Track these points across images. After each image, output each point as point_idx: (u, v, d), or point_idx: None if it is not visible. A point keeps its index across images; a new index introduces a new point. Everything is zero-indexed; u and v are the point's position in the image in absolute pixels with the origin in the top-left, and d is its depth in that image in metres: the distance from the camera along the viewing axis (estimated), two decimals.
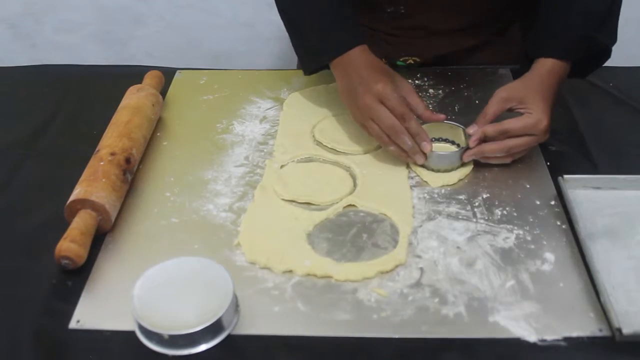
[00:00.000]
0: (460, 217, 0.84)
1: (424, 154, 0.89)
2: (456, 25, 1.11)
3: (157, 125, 1.02)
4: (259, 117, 1.04)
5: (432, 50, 1.14)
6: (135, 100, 0.98)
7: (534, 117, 0.86)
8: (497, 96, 0.90)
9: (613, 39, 0.96)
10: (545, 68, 0.91)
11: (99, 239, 0.81)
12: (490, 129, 0.87)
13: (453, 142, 0.95)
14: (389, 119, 0.87)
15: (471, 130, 0.89)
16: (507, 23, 1.15)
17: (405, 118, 0.87)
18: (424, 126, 0.90)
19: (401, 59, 1.15)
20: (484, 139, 0.88)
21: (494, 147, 0.88)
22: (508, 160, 0.90)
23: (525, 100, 0.88)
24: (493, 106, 0.89)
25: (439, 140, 0.95)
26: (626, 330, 0.67)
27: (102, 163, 0.85)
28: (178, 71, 1.17)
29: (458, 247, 0.79)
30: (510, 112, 0.89)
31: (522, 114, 0.87)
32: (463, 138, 0.92)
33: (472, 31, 1.12)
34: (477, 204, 0.85)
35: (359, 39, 0.94)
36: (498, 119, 0.89)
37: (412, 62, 1.15)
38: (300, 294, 0.74)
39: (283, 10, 1.01)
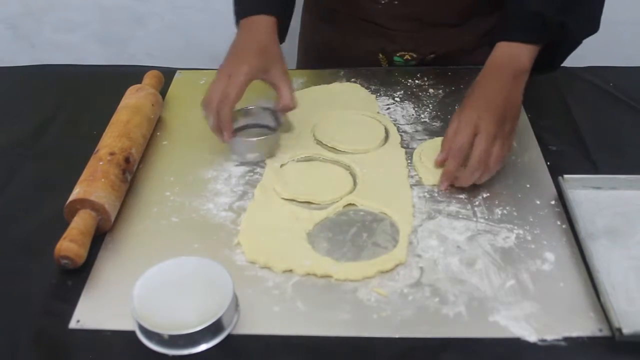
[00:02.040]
0: (460, 216, 0.84)
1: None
2: (450, 17, 1.11)
3: (157, 125, 1.02)
4: None
5: (428, 46, 1.14)
6: (134, 100, 0.98)
7: (485, 138, 0.82)
8: (451, 129, 0.85)
9: (586, 25, 0.92)
10: (499, 56, 0.89)
11: (99, 238, 0.81)
12: (452, 166, 0.84)
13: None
14: (214, 92, 0.89)
15: (439, 158, 0.87)
16: None
17: (224, 102, 0.88)
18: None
19: (398, 54, 1.15)
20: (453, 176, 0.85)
21: (466, 179, 0.85)
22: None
23: (479, 129, 0.83)
24: (450, 136, 0.85)
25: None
26: (626, 330, 0.67)
27: (101, 163, 0.85)
28: (178, 71, 1.17)
29: (458, 247, 0.79)
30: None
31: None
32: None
33: (468, 27, 1.12)
34: (477, 203, 0.85)
35: (267, 9, 0.95)
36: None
37: (409, 57, 1.15)
38: (300, 294, 0.74)
39: None
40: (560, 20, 0.88)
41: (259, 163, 0.94)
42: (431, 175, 0.89)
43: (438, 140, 0.91)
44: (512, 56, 0.89)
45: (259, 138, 0.94)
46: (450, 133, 0.85)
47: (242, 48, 0.93)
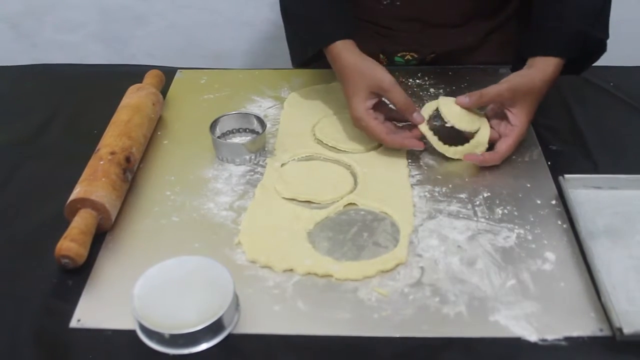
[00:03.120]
0: (461, 216, 0.84)
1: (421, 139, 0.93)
2: (452, 18, 1.11)
3: (157, 125, 1.02)
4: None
5: (430, 46, 1.14)
6: (135, 99, 0.98)
7: (519, 132, 0.90)
8: (501, 87, 0.90)
9: (606, 33, 0.96)
10: (549, 69, 0.91)
11: (99, 238, 0.81)
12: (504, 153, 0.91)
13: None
14: (374, 137, 0.93)
15: (462, 100, 0.91)
16: (504, 19, 1.14)
17: (383, 139, 0.92)
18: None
19: (399, 55, 1.15)
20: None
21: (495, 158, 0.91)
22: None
23: (518, 103, 0.90)
24: (489, 95, 0.91)
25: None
26: (627, 330, 0.67)
27: (102, 162, 0.85)
28: (179, 71, 1.17)
29: (459, 246, 0.79)
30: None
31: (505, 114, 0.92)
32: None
33: (470, 28, 1.12)
34: (477, 202, 0.85)
35: (344, 32, 0.96)
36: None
37: (410, 57, 1.15)
38: (300, 293, 0.74)
39: (280, 4, 1.04)
40: (599, 38, 0.93)
41: (259, 162, 0.94)
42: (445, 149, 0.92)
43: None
44: (548, 72, 0.91)
45: (242, 141, 0.94)
46: (509, 145, 0.91)
47: (347, 89, 0.94)
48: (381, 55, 1.16)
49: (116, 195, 0.83)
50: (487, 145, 0.92)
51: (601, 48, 0.95)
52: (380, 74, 0.91)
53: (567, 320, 0.70)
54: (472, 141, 0.92)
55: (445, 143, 0.92)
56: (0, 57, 1.83)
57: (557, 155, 0.94)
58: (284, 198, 0.87)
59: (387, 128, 0.94)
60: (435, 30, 1.12)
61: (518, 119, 0.90)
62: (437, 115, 0.94)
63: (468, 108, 0.91)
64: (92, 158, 0.88)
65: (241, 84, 1.13)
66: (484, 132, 0.92)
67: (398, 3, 1.10)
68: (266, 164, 0.93)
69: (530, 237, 0.80)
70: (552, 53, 0.91)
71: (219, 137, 0.96)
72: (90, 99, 1.11)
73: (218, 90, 1.11)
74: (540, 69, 0.91)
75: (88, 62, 1.25)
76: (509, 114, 0.91)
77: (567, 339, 0.68)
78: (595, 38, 0.93)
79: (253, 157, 0.94)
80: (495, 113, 0.94)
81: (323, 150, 0.96)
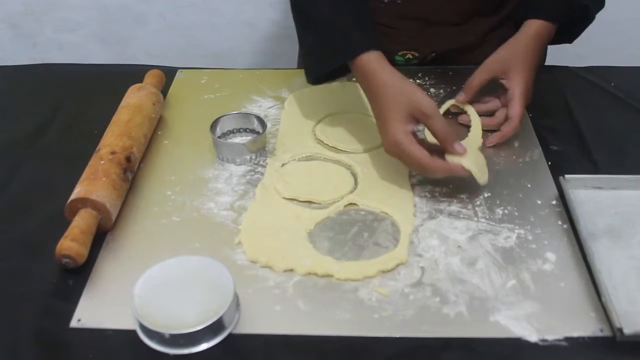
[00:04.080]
0: (461, 216, 0.84)
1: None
2: (452, 16, 1.11)
3: (158, 124, 1.02)
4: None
5: (430, 45, 1.14)
6: (135, 99, 0.98)
7: (519, 91, 0.94)
8: (482, 67, 0.98)
9: (597, 2, 1.01)
10: (530, 30, 0.98)
11: (100, 237, 0.81)
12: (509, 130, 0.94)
13: None
14: (413, 164, 0.84)
15: (460, 97, 0.98)
16: (505, 18, 1.14)
17: (424, 168, 0.83)
18: None
19: (399, 53, 1.15)
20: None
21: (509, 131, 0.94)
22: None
23: (508, 69, 0.95)
24: (478, 76, 0.97)
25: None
26: (627, 331, 0.67)
27: (102, 162, 0.85)
28: (179, 70, 1.17)
29: (459, 246, 0.79)
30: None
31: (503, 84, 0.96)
32: None
33: (470, 26, 1.12)
34: (478, 203, 0.85)
35: (376, 41, 0.90)
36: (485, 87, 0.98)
37: (411, 57, 1.15)
38: (301, 293, 0.74)
39: (296, 8, 0.97)
40: (584, 3, 0.98)
41: (260, 162, 0.94)
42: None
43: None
44: (537, 34, 0.98)
45: (242, 141, 0.94)
46: (519, 109, 0.94)
47: (382, 110, 0.86)
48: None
49: (117, 195, 0.83)
50: (481, 137, 0.96)
51: (586, 14, 1.00)
52: (422, 98, 0.84)
53: (568, 320, 0.70)
54: (468, 139, 0.94)
55: None
56: (0, 57, 1.83)
57: (557, 155, 0.94)
58: (284, 198, 0.87)
59: (426, 153, 0.83)
60: (436, 29, 1.12)
61: (514, 80, 0.94)
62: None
63: (468, 102, 0.98)
64: (92, 158, 0.88)
65: (242, 83, 1.13)
66: (475, 126, 0.97)
67: (399, 1, 1.09)
68: (266, 164, 0.93)
69: (530, 238, 0.80)
70: (533, 15, 0.98)
71: (219, 137, 0.96)
72: (91, 99, 1.11)
73: (218, 90, 1.11)
74: (522, 32, 0.98)
75: (88, 62, 1.25)
76: (504, 82, 0.96)
77: (567, 339, 0.68)
78: (580, 3, 0.98)
79: (253, 157, 0.94)
80: (491, 98, 1.00)
81: (323, 151, 0.96)
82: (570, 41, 1.05)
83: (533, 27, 0.98)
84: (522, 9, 1.01)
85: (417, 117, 0.84)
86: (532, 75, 0.96)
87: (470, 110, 0.98)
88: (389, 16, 1.12)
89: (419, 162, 0.82)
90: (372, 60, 0.88)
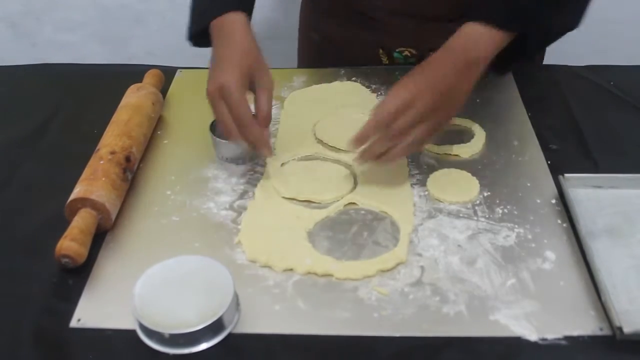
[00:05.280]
0: (461, 215, 0.84)
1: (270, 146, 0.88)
2: (448, 11, 1.09)
3: (157, 124, 1.02)
4: None
5: (427, 41, 1.13)
6: (135, 99, 0.98)
7: (414, 113, 0.79)
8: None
9: (564, 19, 0.87)
10: (458, 39, 0.84)
11: (100, 237, 0.81)
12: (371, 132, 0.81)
13: None
14: (225, 117, 0.83)
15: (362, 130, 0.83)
16: None
17: (240, 123, 0.83)
18: None
19: (397, 50, 1.15)
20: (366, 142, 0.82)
21: (373, 152, 0.83)
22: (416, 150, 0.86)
23: (414, 104, 0.80)
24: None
25: None
26: (627, 329, 0.67)
27: (102, 162, 0.85)
28: (179, 70, 1.17)
29: (459, 246, 0.79)
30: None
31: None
32: None
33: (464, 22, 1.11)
34: (477, 202, 0.85)
35: (238, 4, 0.90)
36: None
37: (409, 54, 1.15)
38: (300, 293, 0.74)
39: None
40: (530, 8, 0.83)
41: (258, 162, 0.94)
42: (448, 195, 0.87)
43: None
44: (472, 42, 0.83)
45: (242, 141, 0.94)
46: (382, 102, 0.81)
47: (221, 58, 0.86)
48: (380, 50, 1.16)
49: (116, 195, 0.84)
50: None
51: (535, 25, 0.84)
52: (266, 69, 0.85)
53: (567, 319, 0.70)
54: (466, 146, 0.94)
55: (443, 143, 0.94)
56: (0, 57, 1.83)
57: (557, 154, 0.94)
58: (284, 197, 0.87)
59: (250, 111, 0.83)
60: (432, 24, 1.11)
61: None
62: None
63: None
64: (92, 158, 0.88)
65: None
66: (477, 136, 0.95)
67: None
68: (266, 163, 0.93)
69: (530, 236, 0.80)
70: (474, 16, 0.84)
71: (219, 137, 0.96)
72: (90, 99, 1.11)
73: None
74: (454, 36, 0.85)
75: (88, 61, 1.25)
76: None
77: (567, 338, 0.68)
78: (525, 8, 0.83)
79: (253, 156, 0.94)
80: None
81: (323, 150, 0.96)
82: (526, 59, 0.90)
83: (459, 33, 0.84)
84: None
85: (252, 82, 0.84)
86: (422, 71, 0.83)
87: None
88: (385, 11, 1.12)
89: (239, 114, 0.81)
90: (236, 21, 0.88)
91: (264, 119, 0.85)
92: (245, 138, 0.85)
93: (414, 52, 1.15)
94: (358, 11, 1.13)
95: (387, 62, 1.17)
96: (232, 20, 0.89)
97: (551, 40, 0.90)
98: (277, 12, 1.87)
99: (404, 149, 0.82)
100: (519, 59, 0.89)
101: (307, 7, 1.25)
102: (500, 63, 0.86)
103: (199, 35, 0.92)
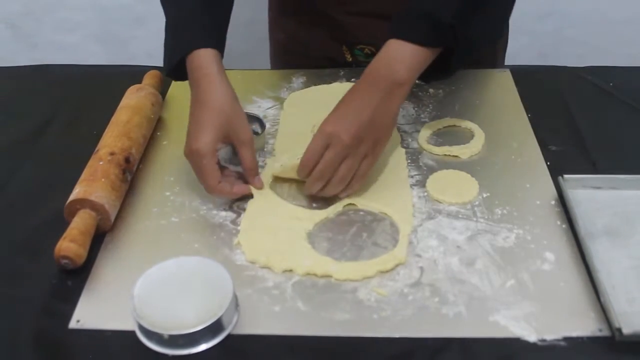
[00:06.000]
0: (460, 216, 0.84)
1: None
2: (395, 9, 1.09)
3: (157, 125, 1.02)
4: None
5: (385, 39, 1.11)
6: (134, 100, 0.98)
7: (332, 153, 0.80)
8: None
9: (486, 32, 0.87)
10: (378, 63, 0.82)
11: (99, 238, 0.81)
12: (300, 175, 0.84)
13: None
14: (201, 178, 0.84)
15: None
16: None
17: (209, 189, 0.84)
18: None
19: (357, 47, 1.14)
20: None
21: (308, 189, 0.84)
22: (356, 187, 0.85)
23: (331, 142, 0.81)
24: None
25: None
26: (626, 330, 0.67)
27: (101, 163, 0.85)
28: None
29: (458, 247, 0.79)
30: None
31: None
32: None
33: None
34: (477, 203, 0.85)
35: (214, 41, 0.87)
36: None
37: (369, 52, 1.13)
38: (300, 294, 0.74)
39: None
40: (451, 24, 0.80)
41: (259, 163, 0.94)
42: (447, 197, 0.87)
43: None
44: (398, 61, 0.81)
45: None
46: (307, 148, 0.83)
47: (195, 119, 0.84)
48: (344, 47, 1.15)
49: (115, 196, 0.84)
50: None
51: (457, 39, 0.82)
52: (243, 124, 0.85)
53: (567, 320, 0.70)
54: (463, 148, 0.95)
55: (442, 145, 0.95)
56: (0, 57, 1.83)
57: (556, 155, 0.94)
58: (282, 199, 0.87)
59: (217, 176, 0.84)
60: (388, 22, 1.09)
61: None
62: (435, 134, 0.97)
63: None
64: (91, 158, 0.88)
65: (240, 84, 1.11)
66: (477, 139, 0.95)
67: None
68: (265, 164, 0.93)
69: (529, 237, 0.80)
70: (396, 35, 0.82)
71: None
72: (90, 99, 1.11)
73: None
74: (375, 59, 0.83)
75: (87, 62, 1.25)
76: None
77: (566, 339, 0.68)
78: (447, 24, 0.80)
79: None
80: None
81: None
82: (448, 74, 0.88)
83: (380, 55, 0.83)
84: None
85: (230, 140, 0.85)
86: (344, 104, 0.83)
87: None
88: (342, 11, 1.11)
89: (207, 181, 0.83)
90: (207, 60, 0.85)
91: (251, 171, 0.87)
92: (218, 195, 0.86)
93: (374, 49, 1.14)
94: (320, 10, 1.13)
95: (350, 59, 1.17)
96: (203, 63, 0.85)
97: (476, 52, 0.88)
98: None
99: (334, 185, 0.83)
100: (445, 74, 0.88)
101: (272, 9, 1.25)
102: (426, 75, 0.85)
103: (177, 71, 0.89)
